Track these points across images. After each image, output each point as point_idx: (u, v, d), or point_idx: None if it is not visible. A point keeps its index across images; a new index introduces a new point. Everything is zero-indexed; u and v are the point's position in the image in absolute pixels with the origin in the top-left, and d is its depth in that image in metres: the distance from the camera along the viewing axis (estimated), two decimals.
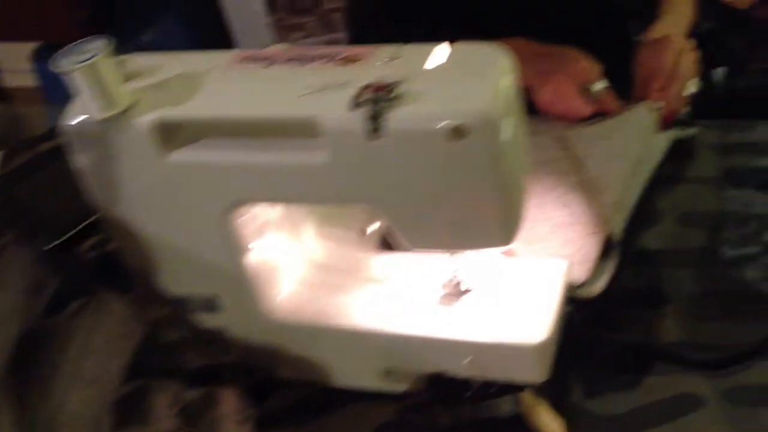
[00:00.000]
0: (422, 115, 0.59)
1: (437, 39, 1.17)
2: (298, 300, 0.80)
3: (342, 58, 0.67)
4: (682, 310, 0.81)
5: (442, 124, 0.59)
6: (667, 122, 0.97)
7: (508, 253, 0.87)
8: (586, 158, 0.93)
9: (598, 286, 0.81)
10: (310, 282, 0.82)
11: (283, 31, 2.61)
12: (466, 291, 0.77)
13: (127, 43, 0.79)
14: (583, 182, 0.91)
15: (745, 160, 0.97)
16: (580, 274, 0.82)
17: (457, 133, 0.59)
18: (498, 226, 0.65)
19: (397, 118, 0.60)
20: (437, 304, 0.76)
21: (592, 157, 0.93)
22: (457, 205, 0.63)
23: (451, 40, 1.16)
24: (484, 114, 0.58)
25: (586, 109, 0.98)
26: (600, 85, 0.98)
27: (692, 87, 1.00)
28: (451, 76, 0.61)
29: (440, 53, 0.64)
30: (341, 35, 2.32)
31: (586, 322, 0.79)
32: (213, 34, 2.53)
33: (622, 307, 0.82)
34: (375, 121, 0.60)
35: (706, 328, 0.78)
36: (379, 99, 0.60)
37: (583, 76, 0.98)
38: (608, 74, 1.01)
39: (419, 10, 1.13)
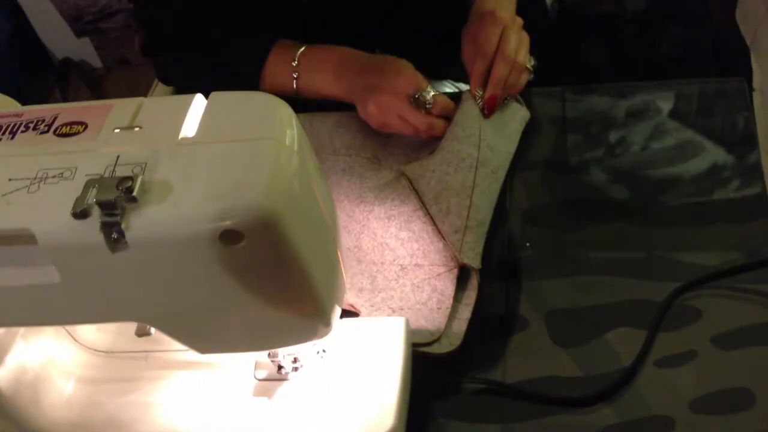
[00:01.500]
0: (177, 219, 0.42)
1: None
2: (79, 408, 0.63)
3: (62, 127, 0.47)
4: (540, 331, 0.71)
5: (206, 228, 0.42)
6: (489, 108, 0.83)
7: (352, 308, 0.73)
8: (422, 178, 0.79)
9: (456, 337, 0.68)
10: (93, 380, 0.65)
11: None
12: (294, 369, 0.62)
13: None
14: (423, 208, 0.77)
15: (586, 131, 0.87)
16: (435, 325, 0.69)
17: (229, 237, 0.42)
18: (307, 320, 0.50)
19: (142, 224, 0.42)
20: (256, 391, 0.62)
21: (426, 176, 0.79)
22: (245, 310, 0.48)
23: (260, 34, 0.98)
24: (262, 209, 0.42)
25: (421, 120, 0.82)
26: (430, 92, 0.83)
27: (528, 65, 0.86)
28: (213, 150, 0.44)
29: (195, 110, 0.47)
30: None
31: (443, 369, 0.68)
32: None
33: (479, 339, 0.70)
34: (113, 230, 0.43)
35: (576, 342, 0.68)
36: (114, 202, 0.42)
37: (408, 88, 0.83)
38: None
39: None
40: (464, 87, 1.00)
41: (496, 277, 0.75)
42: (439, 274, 0.73)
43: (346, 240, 0.78)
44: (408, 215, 0.78)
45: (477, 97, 0.83)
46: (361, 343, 0.62)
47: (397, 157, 0.86)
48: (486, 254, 0.74)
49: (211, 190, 0.43)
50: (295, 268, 0.45)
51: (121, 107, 0.48)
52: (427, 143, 0.85)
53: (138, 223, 0.42)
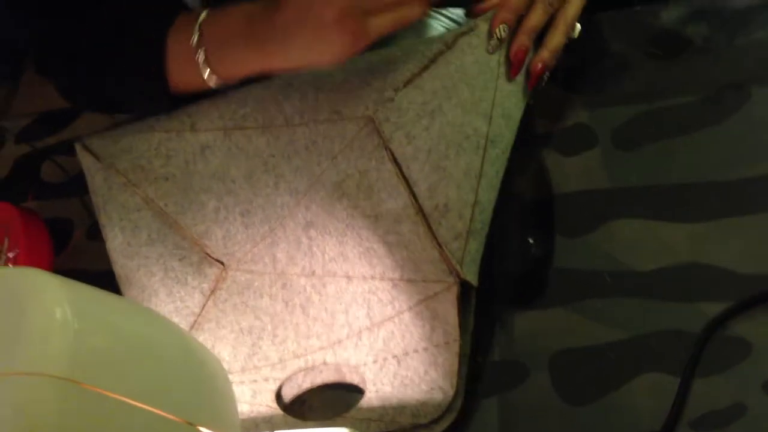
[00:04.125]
0: None
1: None
2: None
3: None
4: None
5: None
6: (517, 65, 0.62)
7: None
8: (414, 161, 0.60)
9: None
10: None
11: None
12: None
13: None
14: (416, 204, 0.59)
15: None
16: (445, 372, 0.56)
17: None
18: None
19: None
20: None
21: (417, 156, 0.60)
22: None
23: None
24: None
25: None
26: None
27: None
28: None
29: None
30: None
31: None
32: None
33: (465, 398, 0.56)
34: None
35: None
36: None
37: None
38: None
39: None
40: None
41: (488, 300, 0.60)
42: (436, 294, 0.58)
43: (329, 247, 0.64)
44: (397, 213, 0.60)
45: (497, 37, 0.61)
46: None
47: (363, 100, 0.64)
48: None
49: None
50: None
51: None
52: (395, 65, 0.63)
53: None
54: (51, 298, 0.31)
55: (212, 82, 0.65)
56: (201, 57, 0.63)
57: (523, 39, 0.62)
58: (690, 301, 0.54)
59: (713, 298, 0.54)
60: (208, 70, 0.64)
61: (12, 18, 0.72)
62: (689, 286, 0.55)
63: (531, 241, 0.62)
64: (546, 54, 0.62)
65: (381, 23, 0.58)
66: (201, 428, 0.37)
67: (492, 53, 0.62)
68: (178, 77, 0.66)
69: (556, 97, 0.67)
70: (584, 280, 0.58)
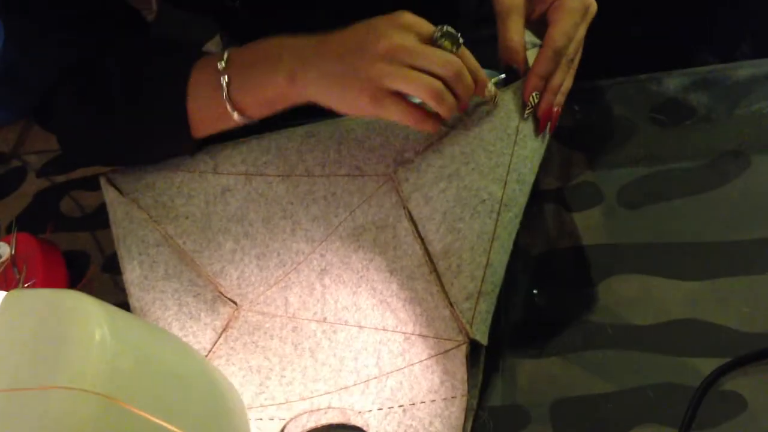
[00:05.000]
0: None
1: None
2: None
3: None
4: None
5: None
6: (545, 125, 0.65)
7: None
8: (430, 221, 0.62)
9: None
10: None
11: None
12: None
13: None
14: (429, 263, 0.62)
15: None
16: (452, 427, 0.57)
17: None
18: None
19: None
20: None
21: (433, 217, 0.62)
22: None
23: None
24: None
25: (447, 60, 0.58)
26: (447, 29, 0.59)
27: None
28: None
29: None
30: None
31: None
32: None
33: None
34: None
35: None
36: None
37: (418, 24, 0.59)
38: None
39: None
40: None
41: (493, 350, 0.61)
42: (446, 351, 0.60)
43: (342, 296, 0.66)
44: (411, 270, 0.63)
45: (531, 104, 0.64)
46: None
47: (383, 158, 0.67)
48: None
49: None
50: None
51: None
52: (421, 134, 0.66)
53: None
54: (92, 320, 0.34)
55: (230, 107, 0.65)
56: (226, 79, 0.64)
57: (552, 98, 0.64)
58: (687, 356, 0.56)
59: (710, 353, 0.56)
60: (227, 96, 0.65)
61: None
62: (686, 341, 0.57)
63: (535, 292, 0.64)
64: (561, 98, 0.65)
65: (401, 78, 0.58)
66: None
67: (526, 119, 0.64)
68: (198, 110, 0.67)
69: (563, 155, 0.70)
70: (585, 331, 0.60)
